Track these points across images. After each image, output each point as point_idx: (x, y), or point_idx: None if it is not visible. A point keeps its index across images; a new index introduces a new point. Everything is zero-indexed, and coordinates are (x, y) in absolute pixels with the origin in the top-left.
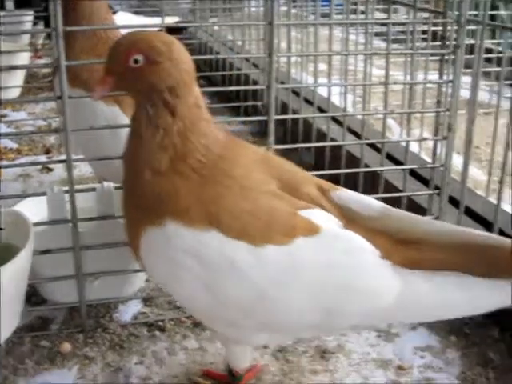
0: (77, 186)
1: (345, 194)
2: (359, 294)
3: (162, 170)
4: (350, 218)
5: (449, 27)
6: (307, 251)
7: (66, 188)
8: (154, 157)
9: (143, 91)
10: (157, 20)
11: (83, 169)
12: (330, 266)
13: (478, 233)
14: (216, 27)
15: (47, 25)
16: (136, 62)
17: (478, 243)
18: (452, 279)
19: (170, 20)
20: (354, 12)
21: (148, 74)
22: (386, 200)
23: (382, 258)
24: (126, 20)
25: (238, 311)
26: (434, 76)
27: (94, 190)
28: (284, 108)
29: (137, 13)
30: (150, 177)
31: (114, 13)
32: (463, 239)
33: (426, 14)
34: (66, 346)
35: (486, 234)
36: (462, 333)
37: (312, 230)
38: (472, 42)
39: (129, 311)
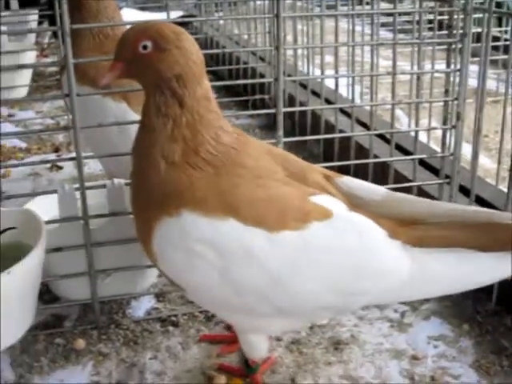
0: (87, 184)
1: (348, 181)
2: (373, 273)
3: (175, 160)
4: (355, 204)
5: (455, 16)
6: (321, 235)
7: (77, 185)
8: (167, 148)
9: (151, 79)
10: (162, 15)
11: (92, 166)
12: (343, 248)
13: (482, 209)
14: (221, 21)
15: (52, 23)
16: (145, 47)
17: (481, 219)
18: (458, 255)
19: (174, 15)
20: (360, 3)
21: (156, 61)
22: (396, 190)
23: (391, 238)
24: (131, 16)
25: (254, 298)
26: (441, 65)
27: (104, 186)
28: (291, 101)
29: (142, 9)
30: (164, 167)
31: (119, 9)
32: (467, 216)
33: (431, 3)
34: (80, 343)
35: (489, 210)
36: (474, 321)
37: (324, 214)
38: (478, 30)
39: (142, 307)
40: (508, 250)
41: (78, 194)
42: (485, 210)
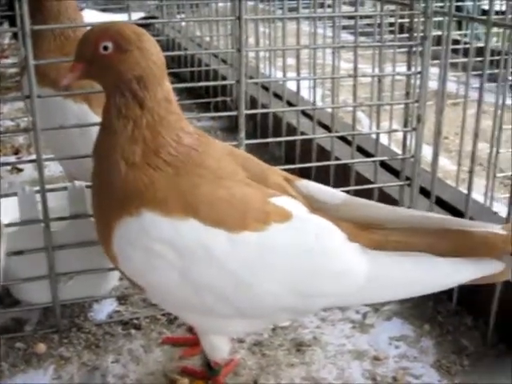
0: (48, 186)
1: (308, 184)
2: (331, 275)
3: (136, 161)
4: (315, 206)
5: (416, 19)
6: (281, 236)
7: (37, 188)
8: (127, 149)
9: (112, 80)
10: (123, 17)
11: (53, 168)
12: (303, 250)
13: (440, 216)
14: (183, 23)
15: (12, 24)
16: (105, 48)
17: (439, 225)
18: (416, 259)
19: (135, 16)
20: (321, 6)
21: (116, 62)
22: (357, 192)
23: (350, 241)
24: (92, 17)
25: (214, 298)
26: (402, 68)
27: (65, 189)
28: (253, 103)
29: (103, 10)
30: (125, 169)
31: (80, 10)
32: (425, 222)
33: (392, 7)
34: (41, 347)
35: (447, 217)
36: (435, 321)
37: (284, 215)
38: (439, 33)
39: (103, 310)
40: (464, 256)
41: (38, 197)
42: (443, 216)
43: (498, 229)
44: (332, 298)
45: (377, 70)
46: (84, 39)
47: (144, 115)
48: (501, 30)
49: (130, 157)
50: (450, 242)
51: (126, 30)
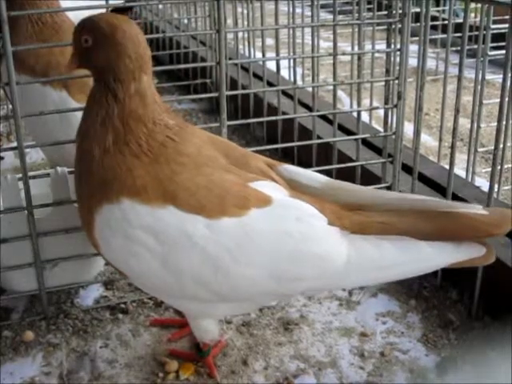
0: (30, 173)
1: (290, 168)
2: (311, 259)
3: (108, 148)
4: (297, 190)
5: None
6: (261, 221)
7: (20, 175)
8: (100, 135)
9: (93, 70)
10: (101, 2)
11: (34, 156)
12: (283, 235)
13: (424, 198)
14: (161, 6)
15: None
16: (86, 41)
17: (423, 208)
18: (398, 242)
19: (114, 2)
20: None
21: (94, 55)
22: (339, 170)
23: (330, 225)
24: (70, 3)
25: (195, 284)
26: (381, 46)
27: (48, 175)
28: (233, 84)
29: None
30: (99, 154)
31: None
32: (407, 204)
33: None
34: (29, 335)
35: (431, 198)
36: (421, 296)
37: (264, 200)
38: (417, 10)
39: (90, 296)
40: (447, 239)
41: (21, 184)
42: (426, 197)
43: (480, 209)
44: (311, 281)
45: (356, 48)
46: (73, 32)
47: (116, 106)
48: (478, 6)
49: (101, 143)
50: (431, 224)
51: (102, 24)
